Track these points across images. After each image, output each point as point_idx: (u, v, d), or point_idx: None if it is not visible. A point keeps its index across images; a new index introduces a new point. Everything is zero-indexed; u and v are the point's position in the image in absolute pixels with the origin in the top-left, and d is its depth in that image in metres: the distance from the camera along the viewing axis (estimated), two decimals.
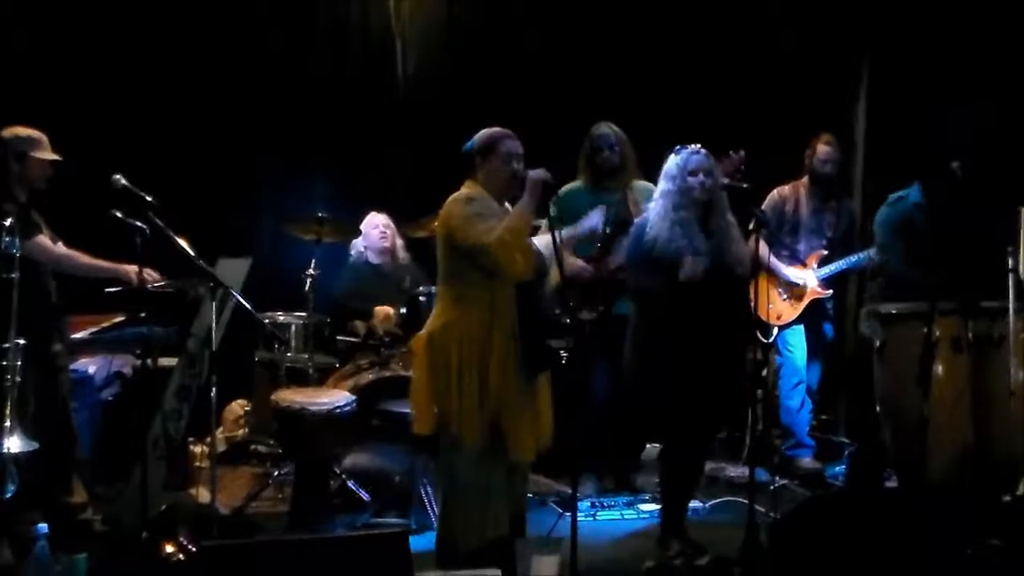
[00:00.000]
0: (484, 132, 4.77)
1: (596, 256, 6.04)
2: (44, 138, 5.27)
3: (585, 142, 6.21)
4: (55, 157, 5.25)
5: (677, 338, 4.90)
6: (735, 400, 5.17)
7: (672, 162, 5.01)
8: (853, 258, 6.42)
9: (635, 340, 5.10)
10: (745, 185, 4.97)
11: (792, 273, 6.47)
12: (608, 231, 5.85)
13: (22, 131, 5.24)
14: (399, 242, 6.90)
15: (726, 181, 4.97)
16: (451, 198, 4.70)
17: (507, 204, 4.71)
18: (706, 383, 4.91)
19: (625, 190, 6.06)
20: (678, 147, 5.01)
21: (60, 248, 5.23)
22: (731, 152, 4.99)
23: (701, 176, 4.90)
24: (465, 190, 4.71)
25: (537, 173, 4.60)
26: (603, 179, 6.14)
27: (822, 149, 6.51)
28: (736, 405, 5.22)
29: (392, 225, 6.87)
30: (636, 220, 5.30)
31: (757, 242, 4.95)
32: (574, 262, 5.99)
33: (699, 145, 4.99)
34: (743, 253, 5.00)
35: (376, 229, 6.80)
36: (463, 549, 4.64)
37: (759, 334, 6.00)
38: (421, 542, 5.18)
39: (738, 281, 5.02)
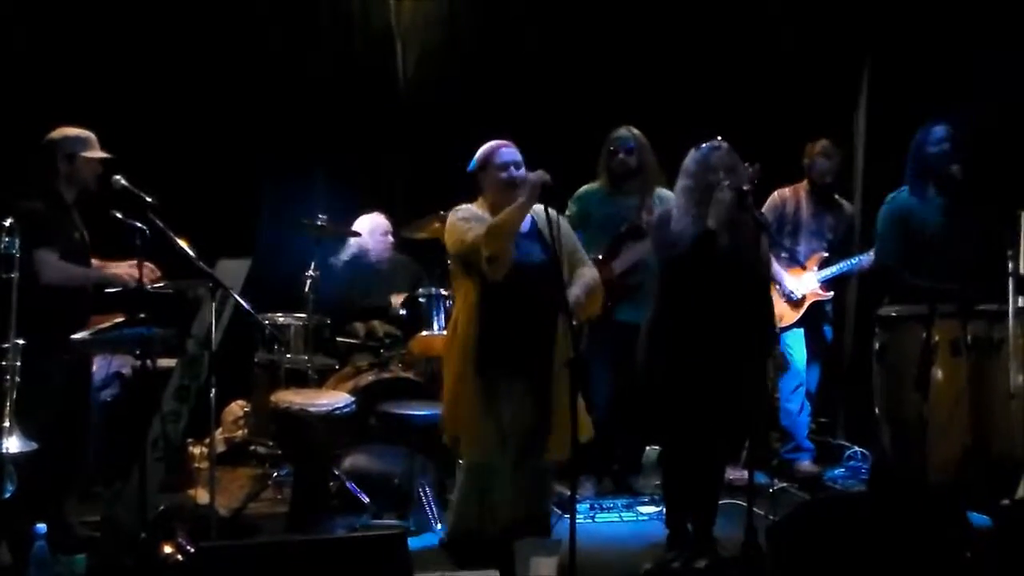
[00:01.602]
0: (481, 148, 4.94)
1: (601, 259, 6.03)
2: (93, 137, 5.25)
3: (604, 144, 6.22)
4: (105, 155, 5.23)
5: (700, 338, 4.84)
6: (754, 408, 5.09)
7: (692, 158, 4.96)
8: (853, 260, 6.45)
9: (654, 338, 5.02)
10: (746, 187, 4.88)
11: (790, 283, 6.49)
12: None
13: (71, 131, 5.22)
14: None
15: (728, 183, 4.90)
16: None
17: None
18: (726, 389, 4.87)
19: (644, 196, 6.05)
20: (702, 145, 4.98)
21: (64, 269, 5.15)
22: (747, 164, 4.94)
23: (722, 174, 4.83)
24: (466, 204, 4.91)
25: (535, 175, 4.67)
26: (620, 181, 6.16)
27: (820, 161, 6.55)
28: (754, 413, 5.12)
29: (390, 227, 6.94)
30: (658, 212, 5.26)
31: None
32: None
33: (720, 138, 4.95)
34: (765, 251, 4.98)
35: (384, 233, 6.87)
36: (452, 534, 4.90)
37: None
38: (420, 543, 5.25)
39: (761, 280, 5.02)
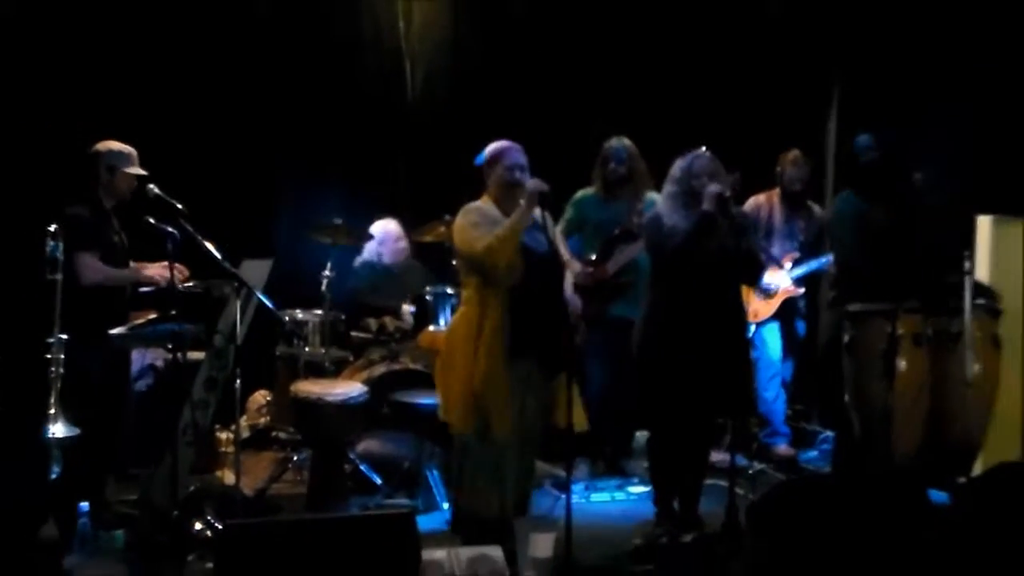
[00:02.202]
0: (490, 146, 5.02)
1: (596, 261, 6.27)
2: (134, 153, 5.45)
3: (598, 154, 6.40)
4: (142, 172, 5.42)
5: (689, 331, 5.02)
6: (741, 390, 5.25)
7: (677, 166, 5.12)
8: (823, 259, 6.61)
9: (647, 332, 5.17)
10: (727, 192, 5.05)
11: (768, 277, 6.56)
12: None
13: (115, 146, 5.43)
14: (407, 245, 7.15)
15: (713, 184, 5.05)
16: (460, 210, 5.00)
17: None
18: (712, 378, 5.04)
19: (635, 201, 6.21)
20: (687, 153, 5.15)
21: (103, 271, 5.36)
22: (728, 173, 5.12)
23: (705, 180, 5.00)
24: (475, 202, 4.98)
25: (533, 184, 4.80)
26: (613, 188, 6.35)
27: (790, 171, 6.73)
28: (742, 395, 5.27)
29: (402, 232, 7.11)
30: (647, 216, 5.39)
31: None
32: (575, 265, 6.24)
33: (703, 147, 5.12)
34: (751, 248, 5.20)
35: (398, 239, 7.03)
36: (474, 519, 4.95)
37: None
38: (428, 522, 5.45)
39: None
